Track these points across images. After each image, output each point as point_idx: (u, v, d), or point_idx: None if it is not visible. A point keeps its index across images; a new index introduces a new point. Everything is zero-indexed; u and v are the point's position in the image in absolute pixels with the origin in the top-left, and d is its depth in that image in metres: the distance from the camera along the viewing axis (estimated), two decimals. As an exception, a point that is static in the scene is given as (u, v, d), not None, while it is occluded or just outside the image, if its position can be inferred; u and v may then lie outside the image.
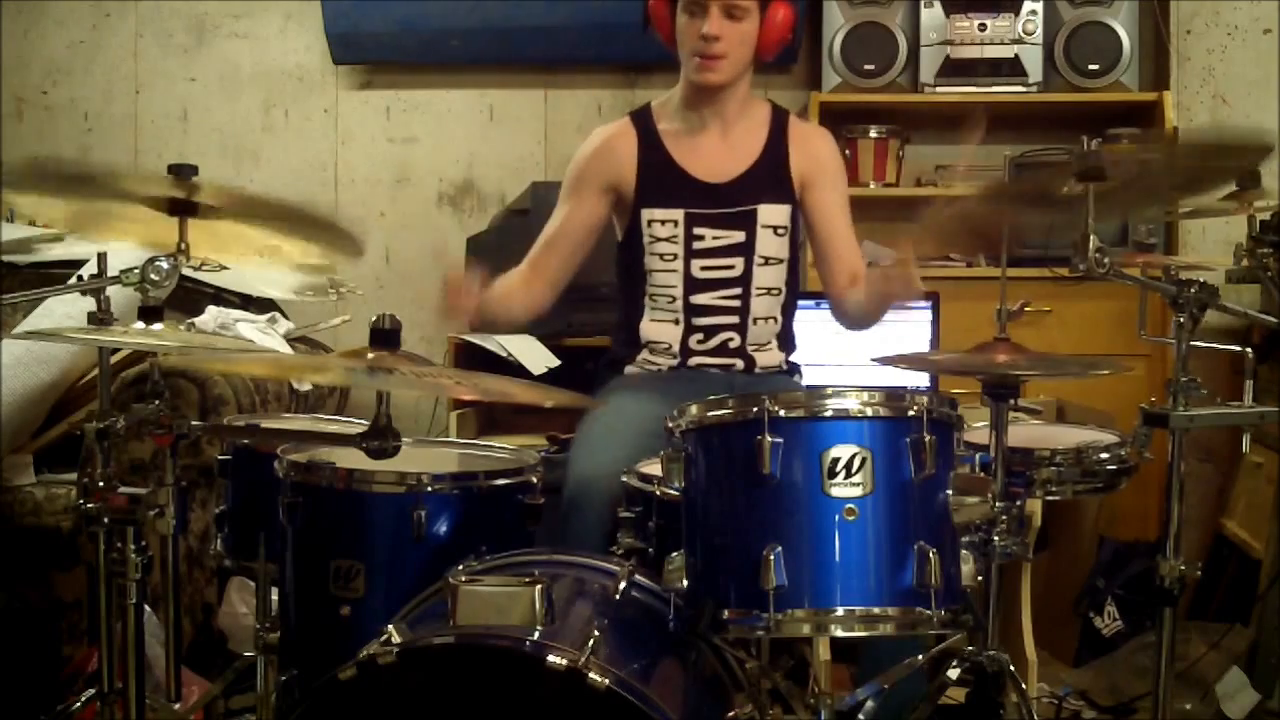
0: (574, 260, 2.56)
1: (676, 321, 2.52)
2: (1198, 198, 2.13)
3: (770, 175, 2.54)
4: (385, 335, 1.61)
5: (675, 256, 2.50)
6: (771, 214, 2.52)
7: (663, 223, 2.50)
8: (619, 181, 2.53)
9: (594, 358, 2.70)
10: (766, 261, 2.52)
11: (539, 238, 2.57)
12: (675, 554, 1.69)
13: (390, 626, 1.55)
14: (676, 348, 2.52)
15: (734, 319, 2.52)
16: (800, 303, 2.65)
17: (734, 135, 2.55)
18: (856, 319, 2.55)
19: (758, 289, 2.52)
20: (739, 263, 2.51)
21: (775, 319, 2.56)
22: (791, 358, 2.63)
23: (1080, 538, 3.37)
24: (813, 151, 2.58)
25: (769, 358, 2.56)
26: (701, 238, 2.50)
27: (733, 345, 2.52)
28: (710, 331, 2.52)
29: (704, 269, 2.51)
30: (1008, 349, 1.97)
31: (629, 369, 2.57)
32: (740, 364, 2.53)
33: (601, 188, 2.54)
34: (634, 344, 2.56)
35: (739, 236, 2.51)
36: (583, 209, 2.54)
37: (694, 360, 2.52)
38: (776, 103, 2.64)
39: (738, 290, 2.51)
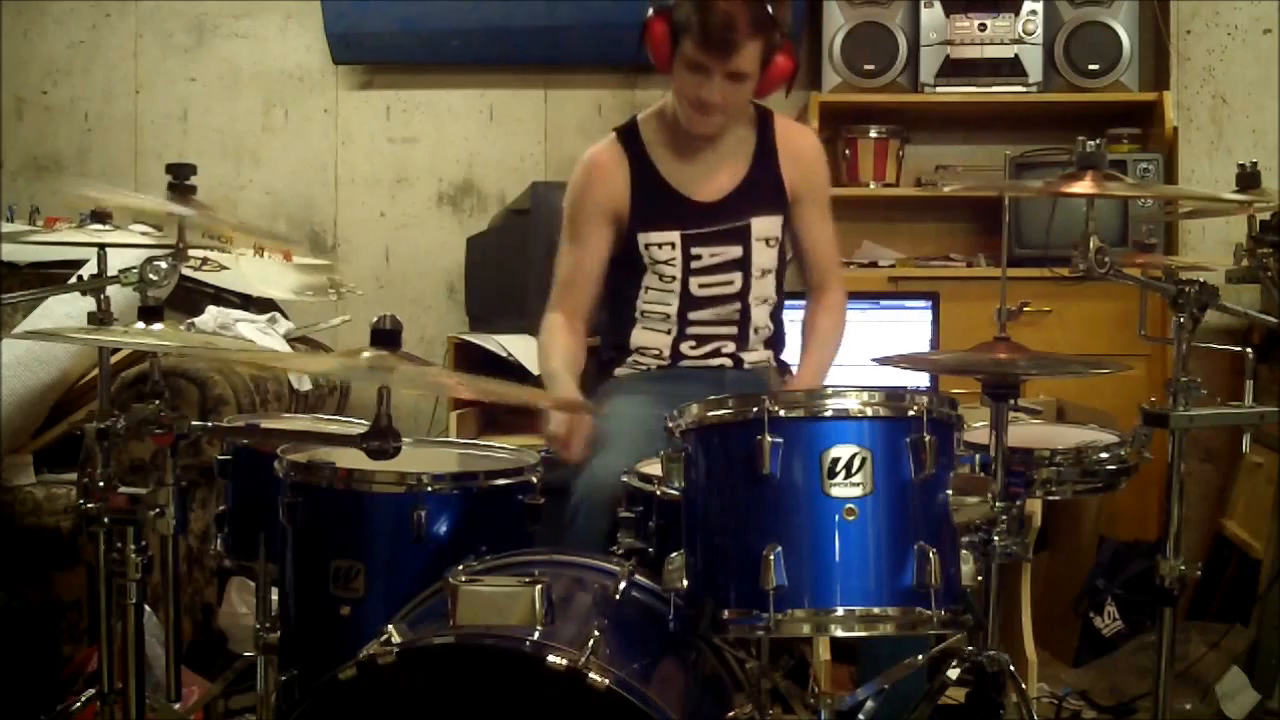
0: (598, 287, 2.54)
1: (669, 331, 2.52)
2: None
3: (762, 187, 2.52)
4: (385, 335, 1.60)
5: (674, 278, 2.49)
6: (764, 226, 2.51)
7: (660, 245, 2.48)
8: (616, 208, 2.50)
9: (592, 358, 2.69)
10: (763, 274, 2.52)
11: (557, 279, 2.54)
12: (675, 554, 1.69)
13: (390, 626, 1.55)
14: (667, 352, 2.52)
15: (732, 329, 2.52)
16: (800, 303, 2.65)
17: (724, 150, 2.51)
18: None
19: (755, 299, 2.52)
20: (737, 278, 2.50)
21: (768, 326, 2.57)
22: (782, 356, 2.63)
23: (1080, 538, 3.37)
24: (804, 167, 2.55)
25: (756, 356, 2.56)
26: (699, 257, 2.49)
27: (725, 351, 2.53)
28: (703, 340, 2.52)
29: (702, 286, 2.50)
30: (1008, 349, 1.97)
31: (618, 371, 2.57)
32: (729, 363, 2.53)
33: (604, 216, 2.50)
34: (623, 349, 2.56)
35: (735, 252, 2.49)
36: (594, 241, 2.50)
37: (684, 363, 2.52)
38: (770, 104, 2.61)
39: (736, 305, 2.51)
